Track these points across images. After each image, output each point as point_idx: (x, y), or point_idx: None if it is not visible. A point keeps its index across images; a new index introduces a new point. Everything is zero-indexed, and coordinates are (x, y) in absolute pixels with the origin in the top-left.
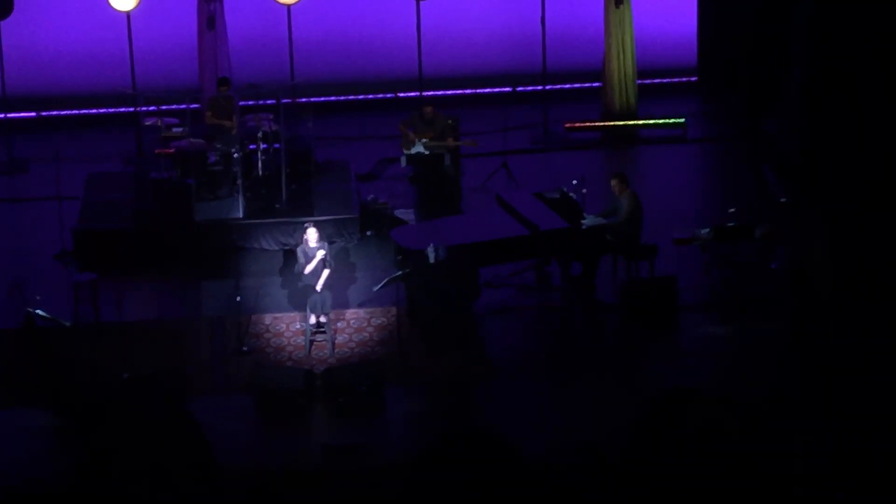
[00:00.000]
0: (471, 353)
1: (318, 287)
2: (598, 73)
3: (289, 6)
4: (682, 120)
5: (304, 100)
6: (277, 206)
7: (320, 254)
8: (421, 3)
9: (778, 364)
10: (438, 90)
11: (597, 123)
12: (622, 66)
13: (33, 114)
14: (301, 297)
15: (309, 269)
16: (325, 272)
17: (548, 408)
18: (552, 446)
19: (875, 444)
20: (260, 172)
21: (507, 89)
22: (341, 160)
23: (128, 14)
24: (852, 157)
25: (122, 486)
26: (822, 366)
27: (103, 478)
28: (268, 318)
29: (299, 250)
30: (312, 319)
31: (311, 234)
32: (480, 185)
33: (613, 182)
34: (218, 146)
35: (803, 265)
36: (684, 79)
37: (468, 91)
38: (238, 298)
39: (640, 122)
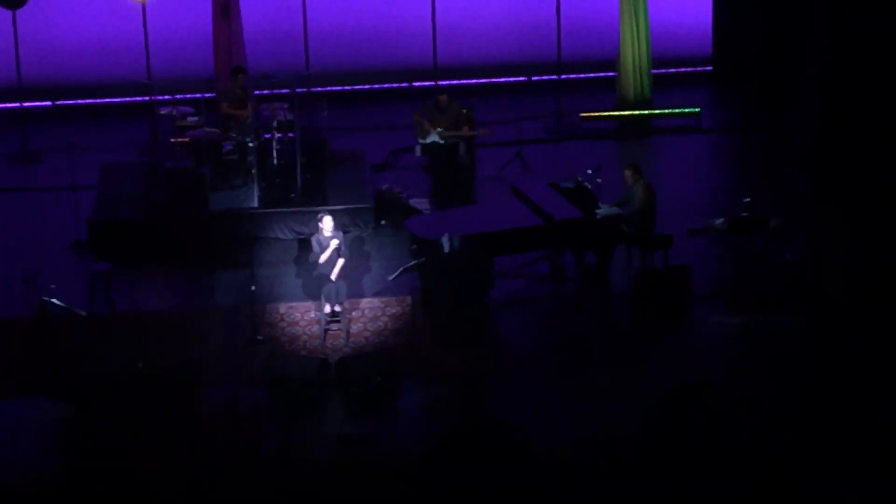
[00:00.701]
0: (484, 343)
1: (333, 276)
2: (613, 62)
3: None
4: (697, 110)
5: (318, 89)
6: (292, 195)
7: (334, 243)
8: None
9: (791, 356)
10: (453, 79)
11: (611, 113)
12: (637, 56)
13: (49, 103)
14: (316, 286)
15: (323, 258)
16: (340, 261)
17: (561, 399)
18: (565, 438)
19: (887, 437)
20: (275, 162)
21: (522, 79)
22: (356, 149)
23: (143, 3)
24: (870, 148)
25: (134, 473)
26: (834, 358)
27: (114, 467)
28: (283, 308)
29: (314, 239)
30: (327, 308)
31: (327, 223)
32: (495, 175)
33: (627, 172)
34: (233, 135)
35: (818, 257)
36: (699, 68)
37: (483, 80)
38: (253, 288)
39: (655, 111)
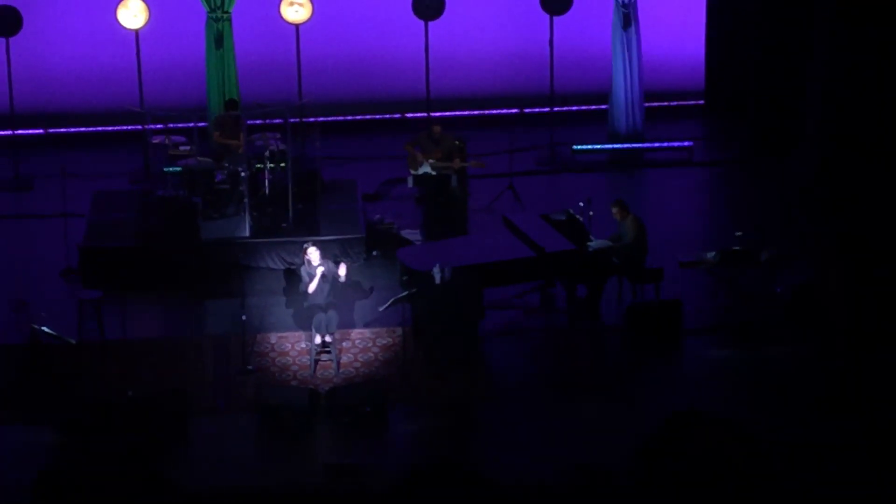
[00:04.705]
0: (475, 374)
1: (341, 273)
2: (606, 94)
3: (297, 26)
4: (689, 143)
5: (311, 119)
6: (284, 225)
7: (319, 270)
8: (429, 23)
9: (782, 389)
10: (445, 111)
11: (603, 146)
12: (629, 89)
13: (41, 131)
14: (306, 316)
15: (312, 287)
16: (342, 267)
17: (551, 431)
18: (555, 469)
19: (877, 470)
20: (266, 191)
21: (515, 111)
22: (348, 180)
23: (136, 32)
24: (867, 180)
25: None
26: (826, 391)
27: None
28: (273, 337)
29: (303, 270)
30: (318, 339)
31: (314, 255)
32: (487, 207)
33: (614, 210)
34: (225, 165)
35: (811, 290)
36: (691, 102)
37: (475, 112)
38: (243, 317)
39: (647, 144)
